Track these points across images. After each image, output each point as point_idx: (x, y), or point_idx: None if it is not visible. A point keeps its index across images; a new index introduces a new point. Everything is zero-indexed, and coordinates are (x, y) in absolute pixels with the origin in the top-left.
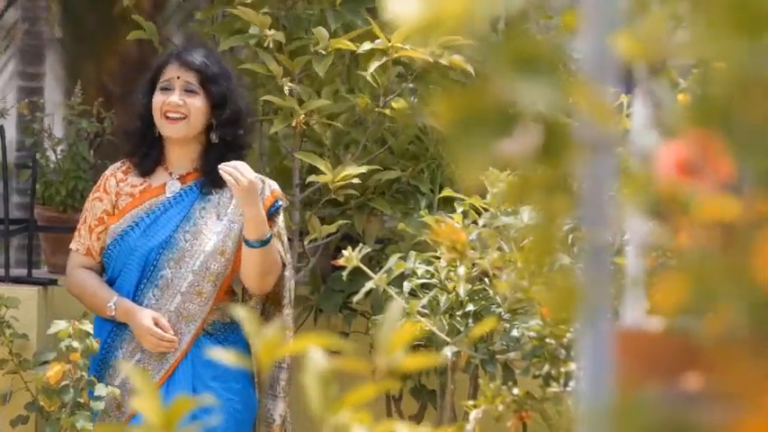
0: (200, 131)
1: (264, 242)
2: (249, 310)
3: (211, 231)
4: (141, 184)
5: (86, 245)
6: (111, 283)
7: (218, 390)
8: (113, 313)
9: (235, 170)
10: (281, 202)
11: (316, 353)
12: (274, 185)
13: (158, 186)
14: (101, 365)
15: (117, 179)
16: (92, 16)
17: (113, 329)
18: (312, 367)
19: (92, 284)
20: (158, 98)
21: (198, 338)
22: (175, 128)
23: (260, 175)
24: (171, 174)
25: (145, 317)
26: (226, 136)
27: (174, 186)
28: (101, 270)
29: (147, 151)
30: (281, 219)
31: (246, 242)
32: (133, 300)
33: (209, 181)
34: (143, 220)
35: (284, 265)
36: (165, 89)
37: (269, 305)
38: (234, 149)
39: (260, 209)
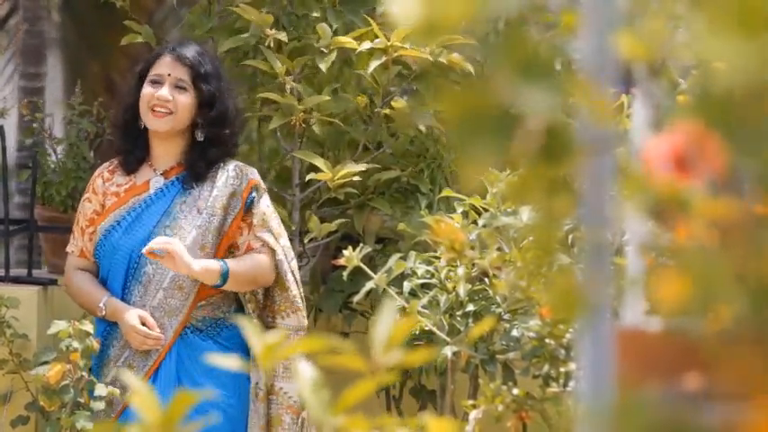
0: (185, 127)
1: (224, 278)
2: (249, 307)
3: (191, 225)
4: (126, 183)
5: (80, 246)
6: (103, 282)
7: (208, 385)
8: (103, 313)
9: (163, 243)
10: (254, 194)
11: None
12: (252, 174)
13: (142, 184)
14: (98, 364)
15: (104, 179)
16: (94, 14)
17: (107, 328)
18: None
19: (85, 285)
20: (147, 90)
21: (185, 334)
22: (161, 122)
23: (238, 163)
24: (155, 170)
25: (131, 316)
26: (211, 135)
27: (157, 183)
28: (97, 270)
29: (131, 148)
30: (262, 205)
31: (212, 286)
32: (122, 298)
33: (192, 176)
34: (125, 219)
35: (274, 251)
36: (155, 82)
37: (274, 289)
38: (217, 147)
39: (193, 265)
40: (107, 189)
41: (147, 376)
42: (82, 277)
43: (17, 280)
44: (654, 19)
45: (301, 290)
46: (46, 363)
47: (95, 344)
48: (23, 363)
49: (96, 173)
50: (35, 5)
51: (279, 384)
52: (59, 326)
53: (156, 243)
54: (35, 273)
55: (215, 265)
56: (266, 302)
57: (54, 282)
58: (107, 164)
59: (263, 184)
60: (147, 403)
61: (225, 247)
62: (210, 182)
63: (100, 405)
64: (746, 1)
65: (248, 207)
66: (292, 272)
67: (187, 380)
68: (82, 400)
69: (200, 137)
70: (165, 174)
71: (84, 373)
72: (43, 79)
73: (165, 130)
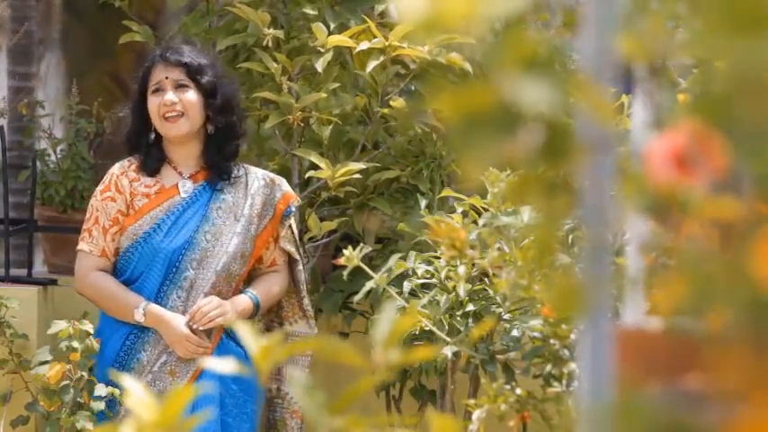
0: (200, 127)
1: (257, 309)
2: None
3: (231, 232)
4: (155, 185)
5: (101, 246)
6: (128, 283)
7: (238, 392)
8: (142, 319)
9: (215, 316)
10: (293, 208)
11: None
12: (285, 186)
13: (171, 187)
14: (119, 368)
15: (129, 179)
16: (98, 13)
17: (133, 332)
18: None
19: (113, 289)
20: (153, 101)
21: (221, 339)
22: (176, 126)
23: (269, 174)
24: (180, 173)
25: (180, 324)
26: (220, 124)
27: (186, 186)
28: (112, 271)
29: (147, 152)
30: (292, 218)
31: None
32: (156, 301)
33: (217, 174)
34: (164, 222)
35: (293, 263)
36: (157, 90)
37: (283, 297)
38: (231, 138)
39: (238, 312)
40: (135, 189)
41: (190, 382)
42: (105, 279)
43: (17, 280)
44: (654, 19)
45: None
46: (46, 363)
47: (95, 344)
48: (23, 363)
49: (117, 171)
50: (23, 5)
51: (285, 389)
52: (59, 326)
53: (207, 319)
54: (35, 273)
55: (246, 302)
56: (271, 307)
57: (54, 282)
58: (125, 163)
59: (297, 198)
60: (144, 403)
61: (254, 258)
62: (243, 188)
63: (100, 405)
64: (746, 1)
65: (282, 219)
66: (304, 282)
67: (222, 387)
68: (82, 401)
69: (210, 130)
70: (191, 177)
71: (84, 373)
72: (34, 79)
73: (183, 133)
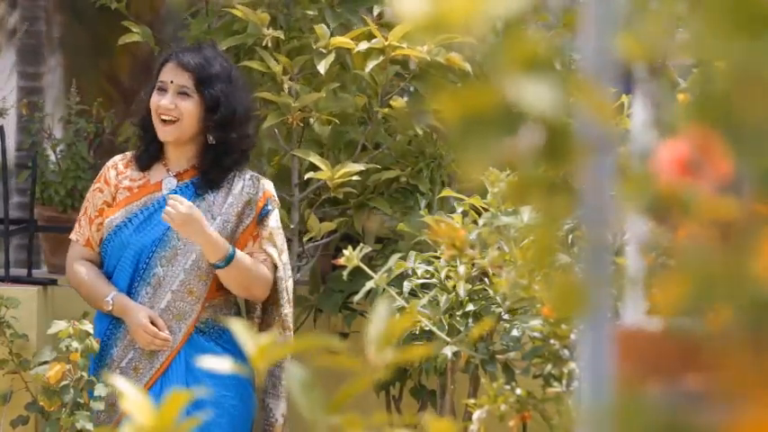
0: (195, 133)
1: (228, 260)
2: (246, 317)
3: None
4: (140, 179)
5: (86, 235)
6: (107, 276)
7: (213, 387)
8: (110, 308)
9: (169, 208)
10: (270, 207)
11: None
12: (267, 186)
13: (156, 183)
14: (98, 362)
15: (117, 171)
16: (97, 14)
17: (110, 326)
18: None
19: (90, 277)
20: (154, 99)
21: (192, 336)
22: (167, 131)
23: (254, 174)
24: (169, 171)
25: (140, 314)
26: (218, 139)
27: (170, 183)
28: (100, 261)
29: (145, 147)
30: (272, 220)
31: (212, 264)
32: (127, 295)
33: (205, 182)
34: (136, 216)
35: (276, 267)
36: (161, 90)
37: (269, 305)
38: (230, 152)
39: (207, 234)
40: (119, 182)
41: (154, 379)
42: (86, 268)
43: (17, 280)
44: (654, 19)
45: (292, 310)
46: (46, 363)
47: (95, 344)
48: (23, 363)
49: (110, 163)
50: (33, 5)
51: (267, 400)
52: (59, 326)
53: (180, 203)
54: (35, 273)
55: (222, 242)
56: (264, 317)
57: (54, 282)
58: (120, 156)
59: (276, 199)
60: (140, 406)
61: None
62: (225, 189)
63: (99, 405)
64: (746, 1)
65: (260, 218)
66: (287, 290)
67: (193, 382)
68: (82, 401)
69: (211, 140)
70: (178, 176)
71: (83, 373)
72: (42, 79)
73: (172, 138)
